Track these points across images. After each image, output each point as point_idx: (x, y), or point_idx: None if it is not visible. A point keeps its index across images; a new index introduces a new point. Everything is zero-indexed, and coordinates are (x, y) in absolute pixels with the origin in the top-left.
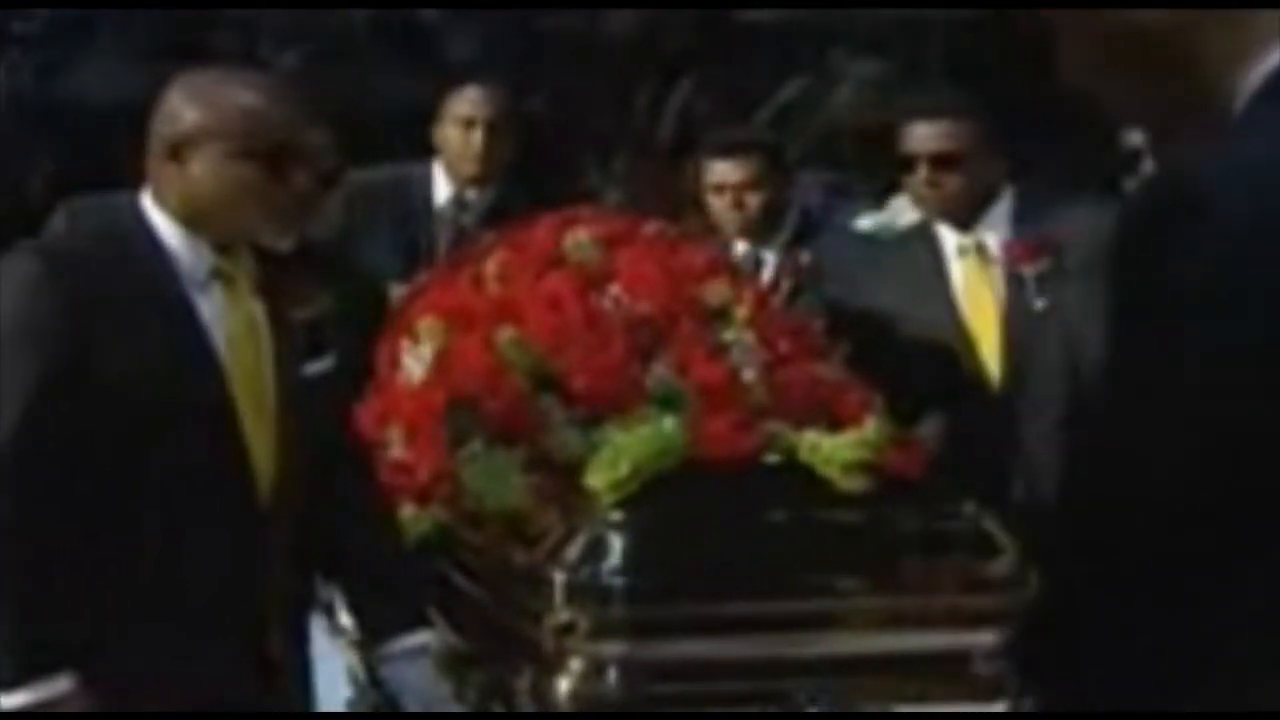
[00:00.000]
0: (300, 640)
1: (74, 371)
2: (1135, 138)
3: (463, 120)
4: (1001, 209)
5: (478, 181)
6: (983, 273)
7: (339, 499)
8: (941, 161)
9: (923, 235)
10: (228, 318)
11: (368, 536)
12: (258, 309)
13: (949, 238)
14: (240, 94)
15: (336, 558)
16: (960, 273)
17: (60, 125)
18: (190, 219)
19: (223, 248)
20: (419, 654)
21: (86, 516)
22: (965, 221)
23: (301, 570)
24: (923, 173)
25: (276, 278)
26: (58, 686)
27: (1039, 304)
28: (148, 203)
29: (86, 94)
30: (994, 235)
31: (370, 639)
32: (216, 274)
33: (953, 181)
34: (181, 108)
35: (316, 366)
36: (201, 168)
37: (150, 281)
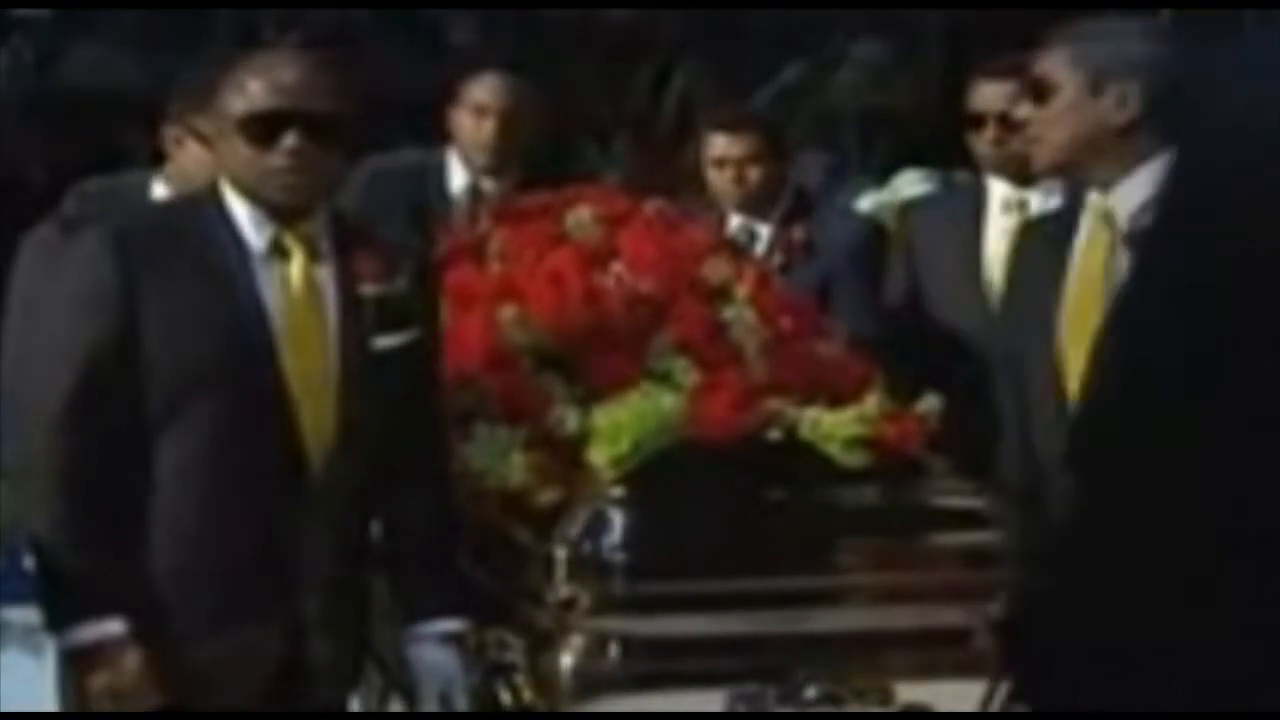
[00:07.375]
0: (351, 607)
1: (127, 338)
2: None
3: (476, 108)
4: None
5: (492, 171)
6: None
7: (399, 476)
8: (1007, 122)
9: (974, 187)
10: (288, 288)
11: (421, 517)
12: (326, 281)
13: (997, 189)
14: (240, 71)
15: (386, 533)
16: (996, 228)
17: (61, 110)
18: (242, 192)
19: (286, 220)
20: (450, 640)
21: (132, 473)
22: (1027, 181)
23: (359, 539)
24: (990, 131)
25: (348, 252)
26: (110, 629)
27: None
28: (224, 179)
29: (88, 80)
30: (1042, 196)
31: (405, 618)
32: (276, 245)
33: (1016, 143)
34: (218, 90)
35: (388, 341)
36: (221, 143)
37: (216, 252)
